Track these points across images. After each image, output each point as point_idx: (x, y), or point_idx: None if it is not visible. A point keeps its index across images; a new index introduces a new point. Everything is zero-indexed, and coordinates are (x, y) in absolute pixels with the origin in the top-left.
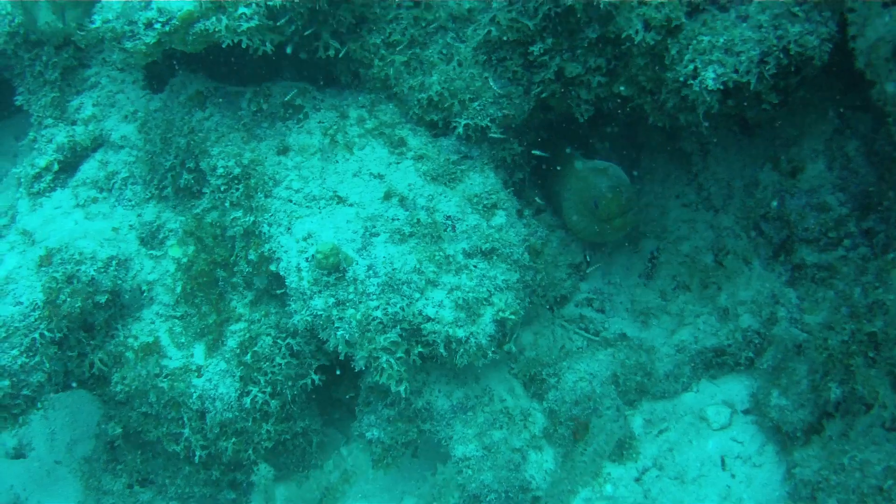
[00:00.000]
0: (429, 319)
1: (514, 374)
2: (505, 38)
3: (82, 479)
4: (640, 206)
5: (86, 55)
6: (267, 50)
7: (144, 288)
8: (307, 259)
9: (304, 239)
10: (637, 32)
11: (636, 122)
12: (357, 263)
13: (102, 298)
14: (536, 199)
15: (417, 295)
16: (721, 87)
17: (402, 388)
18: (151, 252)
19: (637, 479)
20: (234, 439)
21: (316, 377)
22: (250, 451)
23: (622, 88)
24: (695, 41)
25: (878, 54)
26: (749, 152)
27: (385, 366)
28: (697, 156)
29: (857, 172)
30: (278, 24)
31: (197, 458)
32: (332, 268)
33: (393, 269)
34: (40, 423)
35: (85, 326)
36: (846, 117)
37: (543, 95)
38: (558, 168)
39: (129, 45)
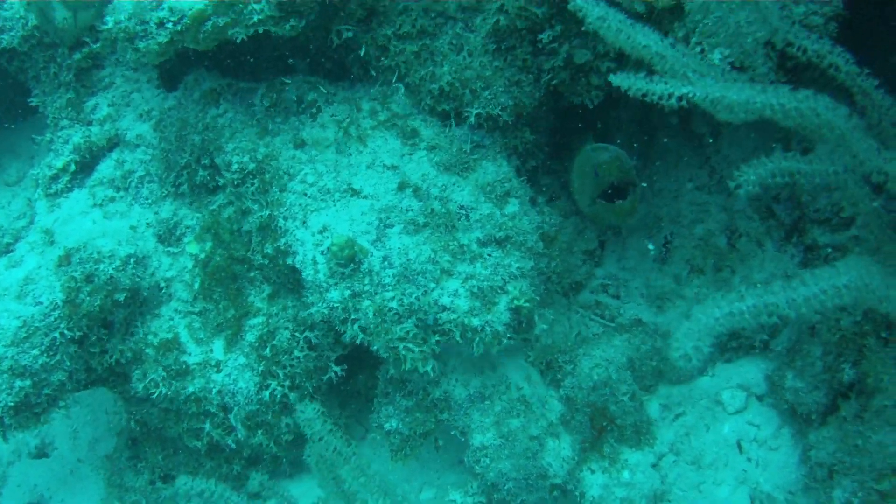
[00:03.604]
0: (444, 309)
1: (531, 362)
2: (514, 27)
3: (105, 476)
4: (641, 189)
5: (99, 56)
6: (284, 35)
7: (163, 285)
8: (323, 252)
9: (320, 232)
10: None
11: (649, 105)
12: (372, 255)
13: (121, 296)
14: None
15: (433, 285)
16: (728, 67)
17: (429, 368)
18: (169, 249)
19: (654, 465)
20: (259, 431)
21: (337, 369)
22: (272, 444)
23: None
24: (701, 24)
25: None
26: (760, 133)
27: (404, 352)
28: (709, 138)
29: None
30: (289, 20)
31: (228, 448)
32: (348, 260)
33: (408, 260)
34: (62, 423)
35: (105, 324)
36: None
37: (554, 83)
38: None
39: (141, 45)
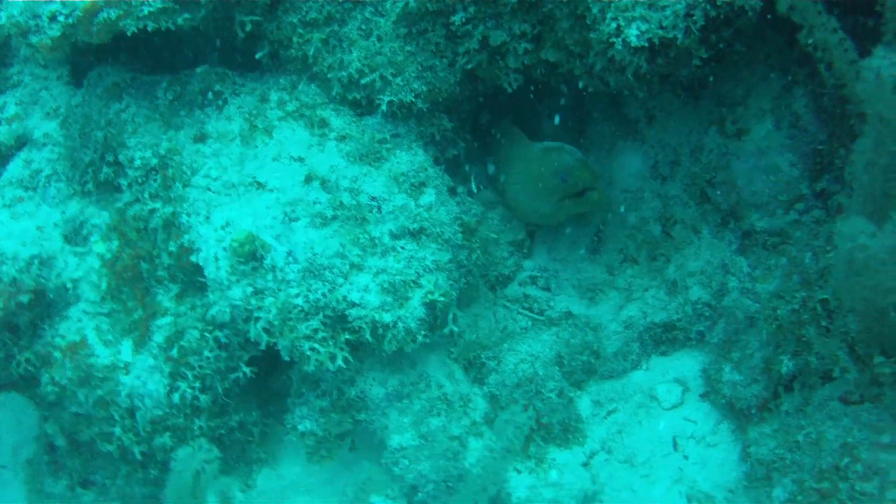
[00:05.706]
0: (353, 305)
1: (454, 359)
2: (425, 10)
3: (27, 482)
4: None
5: (6, 54)
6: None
7: (69, 286)
8: (224, 248)
9: (223, 227)
10: None
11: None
12: (276, 250)
13: (25, 298)
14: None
15: (341, 280)
16: (646, 45)
17: (339, 363)
18: (76, 249)
19: (584, 464)
20: (168, 435)
21: (247, 370)
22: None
23: (549, 54)
24: None
25: None
26: (694, 116)
27: (309, 353)
28: (643, 122)
29: (806, 130)
30: (183, 12)
31: (135, 456)
32: (249, 256)
33: (314, 255)
34: None
35: (9, 328)
36: (793, 72)
37: (469, 66)
38: (502, 144)
39: (34, 39)
